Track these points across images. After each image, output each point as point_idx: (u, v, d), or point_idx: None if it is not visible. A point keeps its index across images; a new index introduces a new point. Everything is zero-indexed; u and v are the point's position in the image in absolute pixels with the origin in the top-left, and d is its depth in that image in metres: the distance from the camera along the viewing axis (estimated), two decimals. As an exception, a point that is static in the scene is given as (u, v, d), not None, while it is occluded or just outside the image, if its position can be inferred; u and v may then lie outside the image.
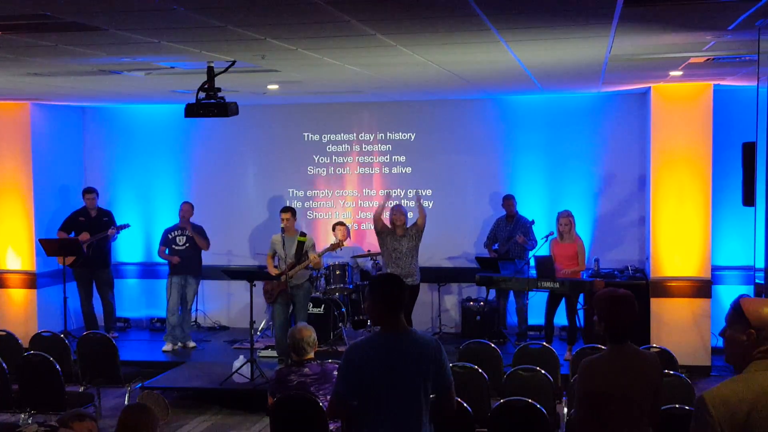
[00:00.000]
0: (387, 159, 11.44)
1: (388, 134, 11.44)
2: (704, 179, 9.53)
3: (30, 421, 7.05)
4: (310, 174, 11.62)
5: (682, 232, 9.60)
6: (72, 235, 10.73)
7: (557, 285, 9.42)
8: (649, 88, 9.74)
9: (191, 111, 6.88)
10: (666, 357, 6.78)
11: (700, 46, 6.44)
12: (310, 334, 5.58)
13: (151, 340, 11.14)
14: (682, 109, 9.60)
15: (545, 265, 9.48)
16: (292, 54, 6.36)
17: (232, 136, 11.63)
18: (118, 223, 10.96)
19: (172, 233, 10.44)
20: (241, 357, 8.71)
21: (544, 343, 7.51)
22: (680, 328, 9.61)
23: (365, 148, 11.50)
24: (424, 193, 11.29)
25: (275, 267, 9.39)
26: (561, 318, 9.82)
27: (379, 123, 11.45)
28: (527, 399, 5.37)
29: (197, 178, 11.84)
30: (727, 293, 9.89)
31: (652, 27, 5.60)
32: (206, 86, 6.85)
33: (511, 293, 10.41)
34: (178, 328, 10.35)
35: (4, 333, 8.31)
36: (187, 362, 9.76)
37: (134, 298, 11.97)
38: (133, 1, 4.48)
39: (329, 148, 11.55)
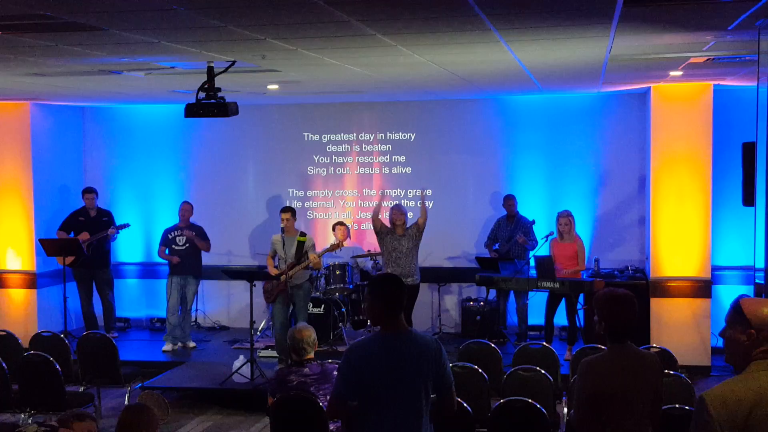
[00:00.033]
0: (387, 159, 11.44)
1: (388, 134, 11.44)
2: (704, 179, 9.53)
3: (30, 421, 7.04)
4: (310, 174, 11.62)
5: (682, 232, 9.60)
6: (71, 235, 10.73)
7: (557, 285, 9.42)
8: (649, 88, 9.74)
9: (191, 111, 6.88)
10: (666, 357, 6.78)
11: (700, 46, 6.44)
12: (310, 334, 5.58)
13: (151, 340, 11.14)
14: (682, 109, 9.60)
15: (545, 265, 9.48)
16: (292, 54, 6.36)
17: (232, 136, 11.63)
18: (118, 222, 10.96)
19: (172, 233, 10.44)
20: (241, 357, 8.72)
21: (544, 343, 7.51)
22: (680, 328, 9.61)
23: (365, 148, 11.50)
24: (423, 193, 11.28)
25: (275, 267, 9.38)
26: (561, 318, 9.82)
27: (379, 123, 11.46)
28: (527, 399, 5.37)
29: (197, 178, 11.84)
30: (727, 293, 9.90)
31: (652, 27, 5.60)
32: (206, 86, 6.85)
33: (512, 293, 10.41)
34: (178, 328, 10.35)
35: (4, 333, 8.31)
36: (187, 362, 9.77)
37: (134, 298, 11.97)
38: (133, 1, 4.48)
39: (329, 148, 11.55)
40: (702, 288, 9.61)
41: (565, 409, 6.74)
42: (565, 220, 9.68)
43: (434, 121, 11.29)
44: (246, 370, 8.51)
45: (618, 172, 10.80)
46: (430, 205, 10.95)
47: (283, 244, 9.22)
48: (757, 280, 8.98)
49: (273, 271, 9.29)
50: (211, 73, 6.86)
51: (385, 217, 9.90)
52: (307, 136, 11.58)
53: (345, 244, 10.35)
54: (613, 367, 4.05)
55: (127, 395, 8.14)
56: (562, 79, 8.73)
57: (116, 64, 6.98)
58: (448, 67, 7.45)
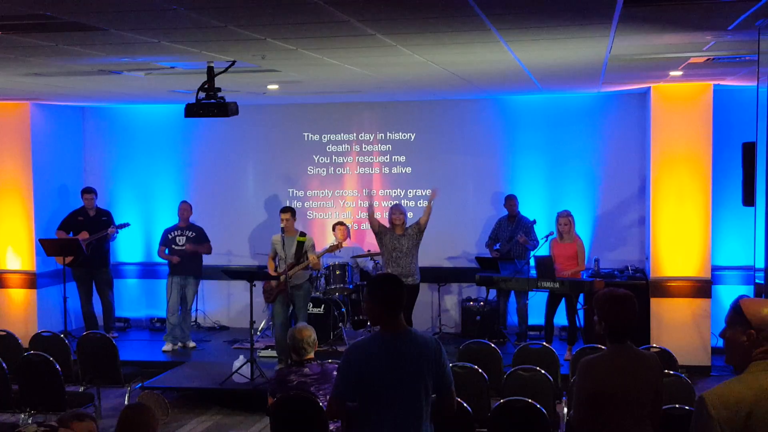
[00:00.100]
0: (387, 159, 11.44)
1: (388, 134, 11.44)
2: (704, 179, 9.53)
3: (30, 421, 7.04)
4: (310, 174, 11.62)
5: (682, 232, 9.60)
6: (71, 234, 10.72)
7: (557, 285, 9.42)
8: (649, 88, 9.74)
9: (191, 111, 6.88)
10: (666, 357, 6.78)
11: (700, 46, 6.44)
12: (310, 334, 5.58)
13: (151, 340, 11.13)
14: (682, 109, 9.60)
15: (545, 265, 9.48)
16: (292, 54, 6.36)
17: (232, 136, 11.63)
18: (118, 222, 10.96)
19: (172, 233, 10.44)
20: (241, 357, 8.71)
21: (544, 343, 7.50)
22: (680, 328, 9.61)
23: (365, 148, 11.50)
24: (424, 193, 11.29)
25: (276, 267, 9.37)
26: (561, 318, 9.82)
27: (379, 123, 11.46)
28: (527, 399, 5.37)
29: (197, 178, 11.84)
30: (727, 293, 9.90)
31: (652, 27, 5.60)
32: (206, 86, 6.85)
33: (512, 293, 10.41)
34: (178, 328, 10.35)
35: (4, 333, 8.31)
36: (187, 362, 9.77)
37: (134, 298, 11.97)
38: (133, 1, 4.48)
39: (329, 148, 11.55)
40: (702, 288, 9.61)
41: (565, 409, 6.74)
42: (564, 220, 9.68)
43: (434, 121, 11.29)
44: (246, 370, 8.51)
45: (618, 172, 10.80)
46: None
47: (283, 244, 9.21)
48: (757, 280, 8.98)
49: (273, 273, 9.28)
50: (211, 73, 6.86)
51: (383, 217, 9.88)
52: (307, 136, 11.58)
53: (345, 244, 10.35)
54: (612, 366, 4.05)
55: (127, 395, 8.14)
56: (562, 79, 8.73)
57: (116, 64, 6.98)
58: (448, 67, 7.45)
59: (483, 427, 5.46)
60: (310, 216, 11.61)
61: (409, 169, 11.40)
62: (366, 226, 11.03)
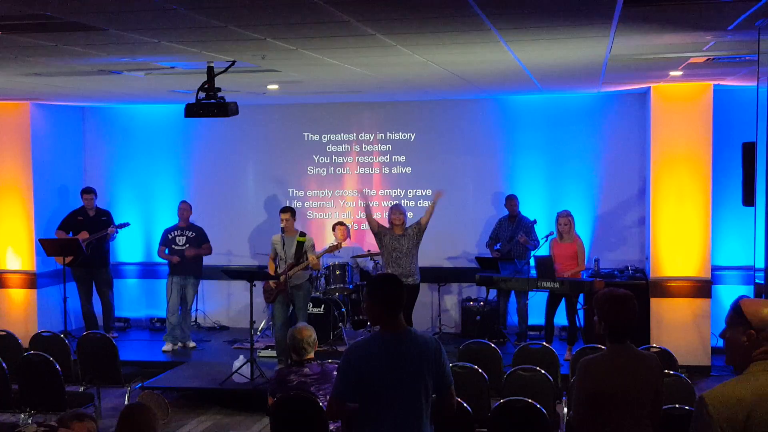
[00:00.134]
0: (387, 159, 11.44)
1: (388, 134, 11.44)
2: (704, 179, 9.53)
3: (30, 421, 7.04)
4: (310, 174, 11.62)
5: (682, 232, 9.60)
6: (70, 234, 10.72)
7: (557, 285, 9.42)
8: (649, 88, 9.74)
9: (191, 111, 6.88)
10: (666, 357, 6.78)
11: (700, 46, 6.44)
12: (311, 334, 5.58)
13: (151, 340, 11.14)
14: (682, 109, 9.60)
15: (545, 265, 9.48)
16: (292, 54, 6.36)
17: (232, 136, 11.63)
18: (117, 222, 10.96)
19: (172, 233, 10.44)
20: (241, 357, 8.71)
21: (544, 343, 7.50)
22: (680, 328, 9.61)
23: (365, 148, 11.49)
24: (424, 193, 11.30)
25: (276, 268, 9.36)
26: (561, 318, 9.82)
27: (379, 123, 11.45)
28: (527, 399, 5.37)
29: (197, 178, 11.84)
30: (727, 293, 9.90)
31: (652, 27, 5.60)
32: (206, 86, 6.85)
33: (513, 293, 10.41)
34: (178, 328, 10.35)
35: (4, 333, 8.30)
36: (187, 362, 9.77)
37: (134, 298, 11.97)
38: (133, 1, 4.48)
39: (329, 148, 11.55)
40: (702, 288, 9.61)
41: (565, 409, 6.74)
42: (564, 220, 9.68)
43: (434, 121, 11.29)
44: (246, 370, 8.51)
45: (618, 172, 10.79)
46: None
47: (283, 244, 9.21)
48: (757, 280, 8.99)
49: (273, 274, 9.27)
50: (211, 73, 6.86)
51: (382, 217, 9.87)
52: (307, 136, 11.58)
53: (345, 244, 10.35)
54: (612, 367, 4.05)
55: (127, 395, 8.14)
56: (562, 79, 8.73)
57: (116, 64, 6.98)
58: (448, 67, 7.45)
59: (483, 427, 5.46)
60: (310, 216, 11.61)
61: (409, 169, 11.40)
62: (366, 226, 11.02)
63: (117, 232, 10.92)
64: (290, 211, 9.39)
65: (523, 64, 7.26)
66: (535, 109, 11.00)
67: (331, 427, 5.29)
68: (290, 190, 11.67)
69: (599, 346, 6.23)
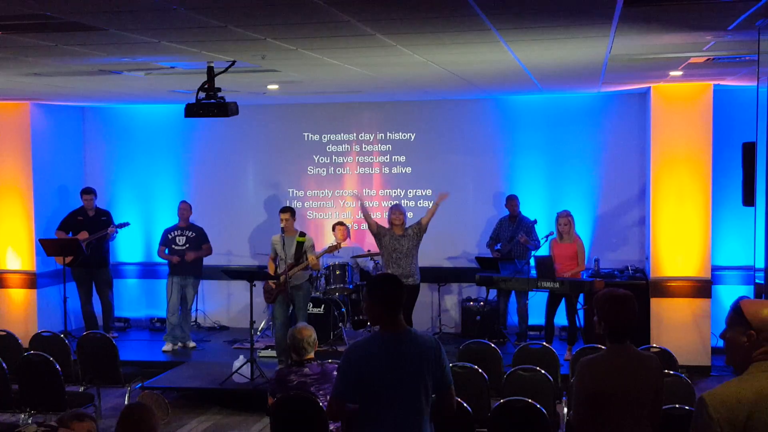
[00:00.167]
0: (387, 159, 11.44)
1: (388, 134, 11.44)
2: (704, 179, 9.53)
3: (30, 421, 7.04)
4: (310, 174, 11.62)
5: (682, 232, 9.60)
6: (70, 235, 10.72)
7: (557, 285, 9.42)
8: (649, 88, 9.74)
9: (191, 111, 6.88)
10: (666, 357, 6.78)
11: (700, 46, 6.44)
12: (311, 333, 5.58)
13: (151, 340, 11.14)
14: (682, 109, 9.60)
15: (545, 265, 9.48)
16: (292, 54, 6.36)
17: (232, 136, 11.63)
18: (117, 222, 10.95)
19: (172, 233, 10.44)
20: (241, 357, 8.71)
21: (544, 343, 7.50)
22: (680, 328, 9.61)
23: (365, 148, 11.49)
24: (424, 193, 11.30)
25: (276, 268, 9.36)
26: (561, 318, 9.82)
27: (379, 123, 11.45)
28: (527, 399, 5.37)
29: (197, 178, 11.84)
30: (727, 293, 9.90)
31: (652, 27, 5.60)
32: (206, 86, 6.85)
33: (513, 293, 10.41)
34: (178, 328, 10.35)
35: (4, 333, 8.30)
36: (187, 362, 9.77)
37: (134, 298, 11.97)
38: (133, 1, 4.48)
39: (329, 148, 11.55)
40: (702, 288, 9.61)
41: (565, 409, 6.75)
42: (564, 220, 9.68)
43: (434, 121, 11.29)
44: (246, 370, 8.51)
45: (618, 172, 10.79)
46: (429, 206, 10.94)
47: (283, 244, 9.21)
48: (757, 280, 9.00)
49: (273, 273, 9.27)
50: (211, 73, 6.85)
51: (382, 218, 9.86)
52: (307, 136, 11.58)
53: (344, 244, 10.35)
54: (610, 366, 4.05)
55: (127, 395, 8.14)
56: (562, 79, 8.73)
57: (116, 64, 6.98)
58: (448, 67, 7.45)
59: (483, 427, 5.46)
60: (310, 216, 11.61)
61: (409, 169, 11.40)
62: (366, 226, 11.04)
63: (117, 232, 10.91)
64: (290, 211, 9.39)
65: (523, 64, 7.26)
66: (535, 109, 10.99)
67: (331, 427, 5.29)
68: (290, 190, 11.67)
69: (599, 346, 6.23)
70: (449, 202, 10.95)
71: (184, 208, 10.48)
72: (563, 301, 9.62)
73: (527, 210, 10.57)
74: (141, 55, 6.43)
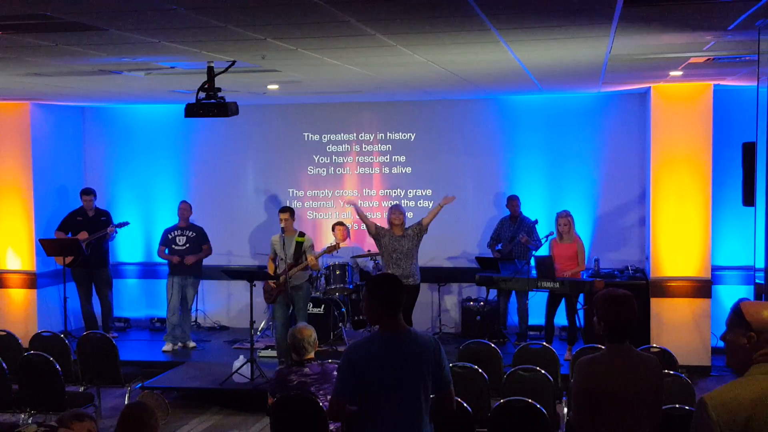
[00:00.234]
0: (387, 159, 11.44)
1: (388, 134, 11.44)
2: (704, 179, 9.53)
3: (30, 421, 7.04)
4: (310, 174, 11.62)
5: (682, 232, 9.60)
6: (69, 235, 10.72)
7: (557, 285, 9.42)
8: (649, 88, 9.74)
9: (191, 111, 6.88)
10: (666, 357, 6.78)
11: (700, 46, 6.44)
12: (311, 333, 5.58)
13: (151, 340, 11.13)
14: (682, 109, 9.60)
15: (545, 265, 9.48)
16: (292, 54, 6.36)
17: (232, 136, 11.63)
18: (116, 221, 10.95)
19: (172, 233, 10.44)
20: (241, 357, 8.71)
21: (544, 343, 7.51)
22: (680, 328, 9.61)
23: (365, 148, 11.49)
24: (424, 193, 11.29)
25: (276, 268, 9.36)
26: (561, 318, 9.82)
27: (379, 123, 11.45)
28: (527, 399, 5.37)
29: (197, 178, 11.84)
30: (727, 293, 9.90)
31: (652, 27, 5.60)
32: (206, 86, 6.85)
33: (513, 293, 10.41)
34: (178, 328, 10.35)
35: (4, 333, 8.30)
36: (187, 362, 9.76)
37: (134, 298, 11.97)
38: (133, 1, 4.48)
39: (329, 148, 11.55)
40: (702, 288, 9.61)
41: (565, 409, 6.74)
42: (564, 220, 9.68)
43: (434, 121, 11.29)
44: (246, 370, 8.51)
45: (618, 172, 10.79)
46: (430, 206, 10.95)
47: (283, 244, 9.21)
48: (757, 280, 9.00)
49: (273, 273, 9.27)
50: (211, 73, 6.85)
51: (382, 217, 9.85)
52: (307, 136, 11.58)
53: (344, 244, 10.34)
54: (609, 366, 4.05)
55: (127, 395, 8.14)
56: (562, 79, 8.73)
57: (116, 64, 6.98)
58: (448, 67, 7.44)
59: (483, 427, 5.46)
60: (310, 216, 11.60)
61: (409, 169, 11.40)
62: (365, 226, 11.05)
63: (116, 232, 10.91)
64: (289, 211, 9.39)
65: (523, 64, 7.26)
66: (535, 109, 10.99)
67: (331, 427, 5.29)
68: (290, 190, 11.67)
69: (599, 346, 6.23)
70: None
71: (184, 208, 10.48)
72: (563, 301, 9.62)
73: (527, 210, 10.57)
74: (141, 55, 6.43)
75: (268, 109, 11.57)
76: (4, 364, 7.16)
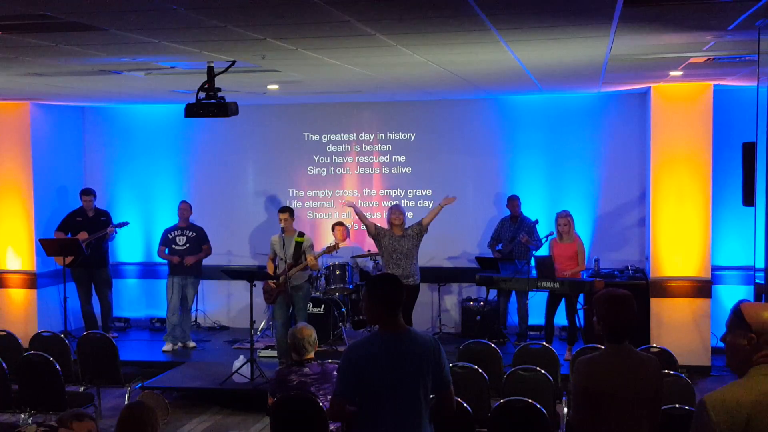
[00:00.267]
0: (387, 159, 11.44)
1: (388, 134, 11.43)
2: (704, 179, 9.53)
3: (30, 421, 7.04)
4: (310, 174, 11.62)
5: (682, 232, 9.60)
6: (69, 235, 10.72)
7: (557, 285, 9.42)
8: (649, 88, 9.74)
9: (191, 111, 6.88)
10: (666, 357, 6.77)
11: (700, 46, 6.44)
12: (311, 333, 5.59)
13: (151, 340, 11.13)
14: (682, 109, 9.60)
15: (545, 265, 9.48)
16: (292, 54, 6.36)
17: (232, 136, 11.63)
18: (116, 221, 10.95)
19: (172, 233, 10.44)
20: (241, 357, 8.71)
21: (544, 343, 7.50)
22: (680, 328, 9.61)
23: (365, 148, 11.49)
24: (424, 193, 11.29)
25: (275, 268, 9.36)
26: (561, 318, 9.82)
27: (379, 123, 11.45)
28: (527, 399, 5.37)
29: (197, 178, 11.83)
30: (728, 293, 9.90)
31: (652, 27, 5.60)
32: (206, 86, 6.85)
33: (514, 293, 10.41)
34: (178, 328, 10.35)
35: (4, 333, 8.30)
36: (187, 362, 9.76)
37: (134, 298, 11.97)
38: (133, 1, 4.48)
39: (329, 148, 11.55)
40: (702, 288, 9.61)
41: (565, 409, 6.75)
42: (563, 220, 9.68)
43: (434, 121, 11.29)
44: (246, 370, 8.51)
45: (618, 172, 10.79)
46: (430, 206, 10.96)
47: (283, 244, 9.21)
48: (757, 280, 8.99)
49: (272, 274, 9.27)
50: (211, 73, 6.85)
51: (381, 217, 9.85)
52: (307, 136, 11.58)
53: (343, 244, 10.34)
54: (608, 366, 4.05)
55: (127, 395, 8.14)
56: (562, 79, 8.73)
57: (116, 64, 6.98)
58: (448, 67, 7.44)
59: (483, 427, 5.46)
60: (310, 216, 11.60)
61: (409, 169, 11.40)
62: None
63: (116, 232, 10.91)
64: (288, 211, 9.39)
65: (523, 64, 7.26)
66: (535, 109, 10.99)
67: (331, 427, 5.29)
68: (290, 190, 11.67)
69: (599, 346, 6.23)
70: (449, 202, 10.98)
71: (184, 208, 10.48)
72: (563, 301, 9.62)
73: (527, 210, 10.56)
74: (141, 55, 6.43)
75: (268, 109, 11.56)
76: (4, 364, 7.16)
